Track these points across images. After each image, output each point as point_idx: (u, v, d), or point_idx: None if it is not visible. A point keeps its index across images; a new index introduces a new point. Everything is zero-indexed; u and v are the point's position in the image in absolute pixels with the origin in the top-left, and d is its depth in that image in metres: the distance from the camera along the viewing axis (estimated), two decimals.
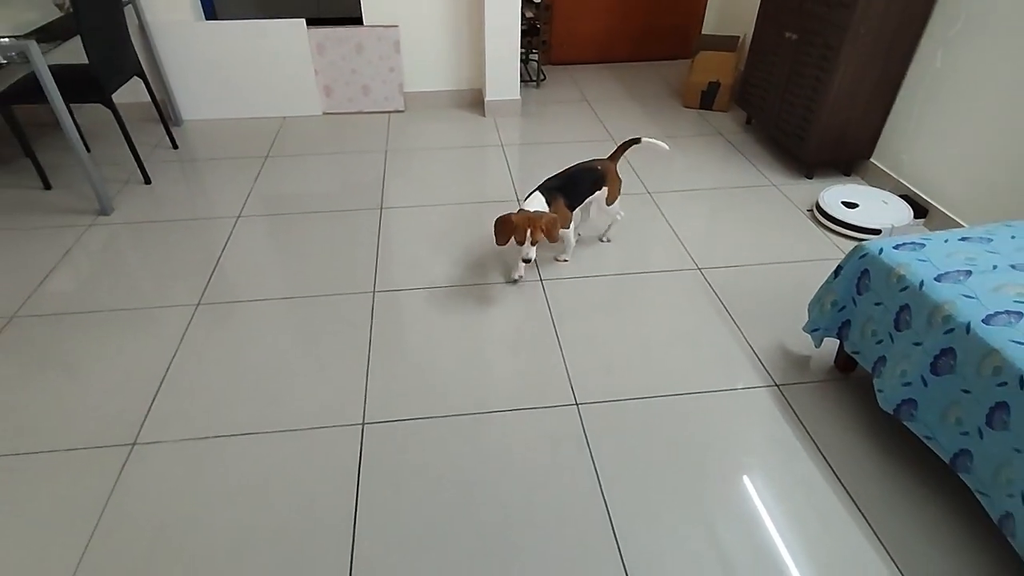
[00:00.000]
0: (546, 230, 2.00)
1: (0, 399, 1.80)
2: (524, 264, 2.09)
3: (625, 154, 2.38)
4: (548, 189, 2.15)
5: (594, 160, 2.30)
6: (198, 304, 2.18)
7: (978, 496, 1.36)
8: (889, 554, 1.41)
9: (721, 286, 2.26)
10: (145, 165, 2.98)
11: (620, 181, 2.35)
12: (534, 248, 2.03)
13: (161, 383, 1.85)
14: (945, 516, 1.49)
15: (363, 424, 1.73)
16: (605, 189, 2.29)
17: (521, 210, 2.06)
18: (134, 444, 1.67)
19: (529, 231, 1.99)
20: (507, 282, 2.25)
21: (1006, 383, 1.26)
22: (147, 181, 2.97)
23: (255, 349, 1.99)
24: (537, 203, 2.09)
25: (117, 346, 1.99)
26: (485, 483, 1.57)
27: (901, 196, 2.67)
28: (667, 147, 2.35)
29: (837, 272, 1.74)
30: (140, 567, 1.39)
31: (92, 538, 1.44)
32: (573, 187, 2.20)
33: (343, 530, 1.46)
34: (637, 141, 2.34)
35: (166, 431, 1.71)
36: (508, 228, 2.02)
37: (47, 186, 2.93)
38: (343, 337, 2.03)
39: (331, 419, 1.74)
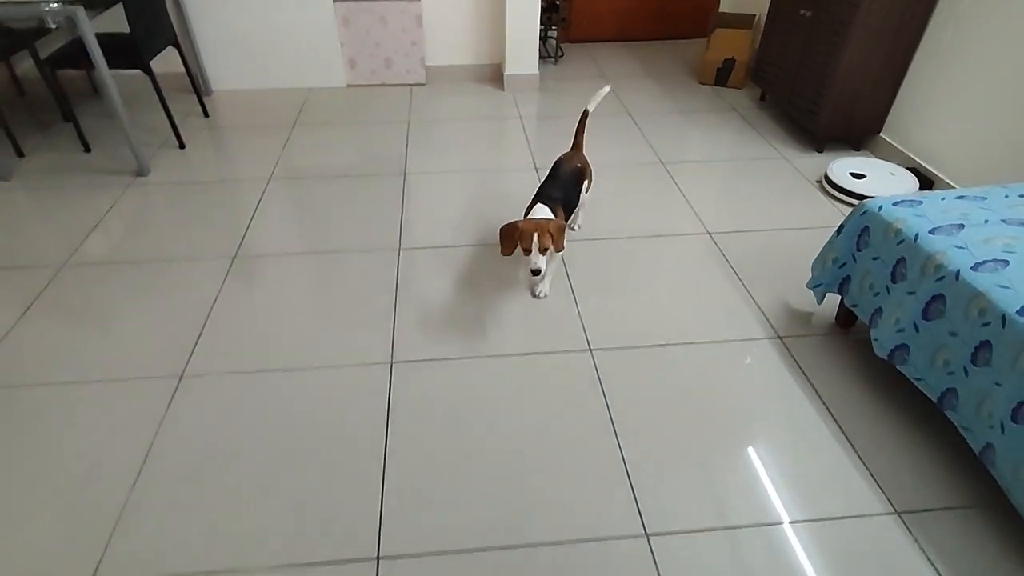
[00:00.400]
0: (555, 236, 1.85)
1: (55, 337, 1.96)
2: (534, 277, 1.89)
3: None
4: (552, 200, 2.02)
5: (572, 156, 2.23)
6: (235, 256, 2.32)
7: (962, 431, 1.47)
8: (879, 486, 1.52)
9: (730, 249, 2.36)
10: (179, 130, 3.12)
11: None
12: (543, 257, 1.83)
13: (204, 324, 2.00)
14: (931, 452, 1.60)
15: (391, 363, 1.86)
16: (586, 182, 2.28)
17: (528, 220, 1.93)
18: (182, 376, 1.82)
19: (536, 235, 1.81)
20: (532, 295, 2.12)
21: (990, 323, 1.36)
22: (181, 146, 3.11)
23: (290, 297, 2.12)
24: (542, 214, 1.97)
25: (162, 292, 2.14)
26: (505, 416, 1.70)
27: (908, 169, 2.75)
28: (608, 87, 2.31)
29: (839, 230, 1.84)
30: (192, 482, 1.53)
31: (148, 455, 1.59)
32: (569, 193, 2.12)
33: (375, 451, 1.60)
34: (586, 114, 2.28)
35: (211, 365, 1.85)
36: (513, 233, 1.86)
37: (87, 149, 3.07)
38: (371, 288, 2.16)
39: (362, 358, 1.88)
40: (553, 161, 2.24)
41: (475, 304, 2.10)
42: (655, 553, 1.38)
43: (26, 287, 2.16)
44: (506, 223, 1.90)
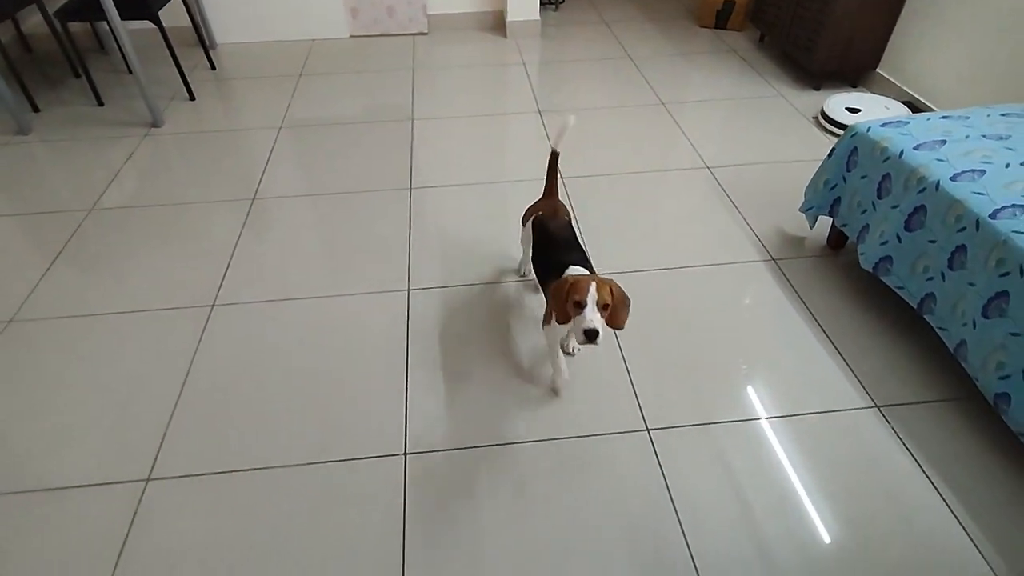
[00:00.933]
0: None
1: (91, 275, 2.08)
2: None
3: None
4: (582, 264, 1.53)
5: (553, 209, 1.74)
6: (254, 198, 2.42)
7: (939, 332, 1.60)
8: (862, 384, 1.66)
9: (728, 182, 2.46)
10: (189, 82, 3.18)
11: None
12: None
13: (230, 259, 2.12)
14: (912, 354, 1.73)
15: (408, 290, 1.99)
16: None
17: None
18: (213, 305, 1.95)
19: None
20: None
21: (965, 228, 1.47)
22: (192, 97, 3.18)
23: (308, 233, 2.24)
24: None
25: (187, 233, 2.25)
26: (519, 332, 1.83)
27: (904, 103, 2.81)
28: (573, 118, 1.70)
29: (831, 153, 1.93)
30: (230, 394, 1.68)
31: (190, 371, 1.73)
32: (581, 252, 1.62)
33: (397, 364, 1.74)
34: (555, 156, 1.76)
35: (240, 295, 1.98)
36: (563, 286, 1.39)
37: (100, 103, 3.14)
38: (386, 223, 2.28)
39: (380, 286, 2.00)
40: (529, 203, 1.84)
41: (487, 236, 2.21)
42: (655, 444, 1.52)
43: (57, 231, 2.27)
44: (555, 283, 1.45)
